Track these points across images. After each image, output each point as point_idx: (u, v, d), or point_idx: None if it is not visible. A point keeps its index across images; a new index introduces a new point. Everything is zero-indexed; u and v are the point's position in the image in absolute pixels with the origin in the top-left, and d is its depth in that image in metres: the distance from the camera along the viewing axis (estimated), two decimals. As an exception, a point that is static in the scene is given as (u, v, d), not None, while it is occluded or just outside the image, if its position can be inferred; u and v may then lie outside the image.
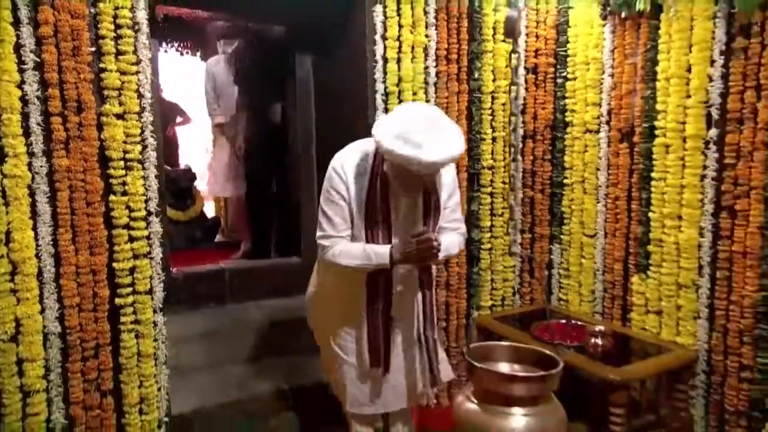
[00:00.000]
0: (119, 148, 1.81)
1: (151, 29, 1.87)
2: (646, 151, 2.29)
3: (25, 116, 1.67)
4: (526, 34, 2.61)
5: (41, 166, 1.71)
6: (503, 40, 2.54)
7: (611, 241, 2.48)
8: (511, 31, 2.52)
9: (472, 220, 2.55)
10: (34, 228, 1.71)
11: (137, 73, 1.82)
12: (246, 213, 3.50)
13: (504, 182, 2.63)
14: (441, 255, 1.60)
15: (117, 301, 1.85)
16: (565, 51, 2.64)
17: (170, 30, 4.09)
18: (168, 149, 4.16)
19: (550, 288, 2.82)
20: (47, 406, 1.76)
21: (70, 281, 1.77)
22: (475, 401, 1.74)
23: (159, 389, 1.96)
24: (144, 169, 1.87)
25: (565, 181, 2.70)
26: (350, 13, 2.35)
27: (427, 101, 2.39)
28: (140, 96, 1.84)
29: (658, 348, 2.15)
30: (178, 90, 4.98)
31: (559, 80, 2.68)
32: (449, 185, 1.72)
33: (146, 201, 1.88)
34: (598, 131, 2.52)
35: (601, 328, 2.12)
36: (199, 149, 5.82)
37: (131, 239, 1.86)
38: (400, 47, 2.31)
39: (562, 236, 2.74)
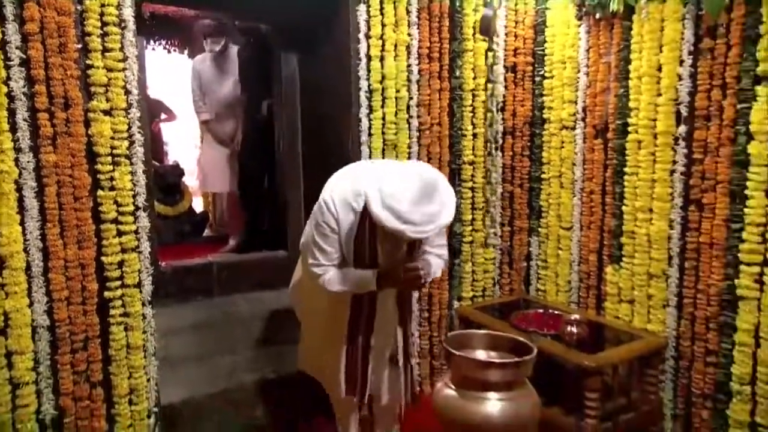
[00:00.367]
0: (107, 144, 1.82)
1: (138, 27, 1.88)
2: (619, 147, 2.37)
3: (12, 112, 1.67)
4: (506, 34, 2.67)
5: (28, 162, 1.70)
6: (483, 39, 2.60)
7: (586, 233, 2.57)
8: (486, 29, 2.56)
9: (453, 213, 2.62)
10: (22, 223, 1.71)
11: (124, 69, 1.83)
12: (239, 208, 3.53)
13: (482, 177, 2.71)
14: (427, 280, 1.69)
15: (106, 294, 1.87)
16: (543, 50, 2.71)
17: (157, 28, 4.12)
18: (153, 146, 4.15)
19: (529, 279, 2.90)
20: (37, 398, 1.77)
21: (59, 275, 1.78)
22: (453, 387, 1.80)
23: (148, 380, 1.98)
24: (132, 164, 1.88)
25: (542, 176, 2.77)
26: (335, 12, 2.39)
27: (410, 98, 2.44)
28: (127, 92, 1.85)
29: (630, 335, 2.24)
30: (165, 87, 4.97)
31: (537, 78, 2.75)
32: None
33: (134, 196, 1.89)
34: (574, 128, 2.60)
35: (577, 316, 2.18)
36: (187, 145, 5.81)
37: (119, 233, 1.87)
38: (383, 45, 2.36)
39: (540, 229, 2.82)
